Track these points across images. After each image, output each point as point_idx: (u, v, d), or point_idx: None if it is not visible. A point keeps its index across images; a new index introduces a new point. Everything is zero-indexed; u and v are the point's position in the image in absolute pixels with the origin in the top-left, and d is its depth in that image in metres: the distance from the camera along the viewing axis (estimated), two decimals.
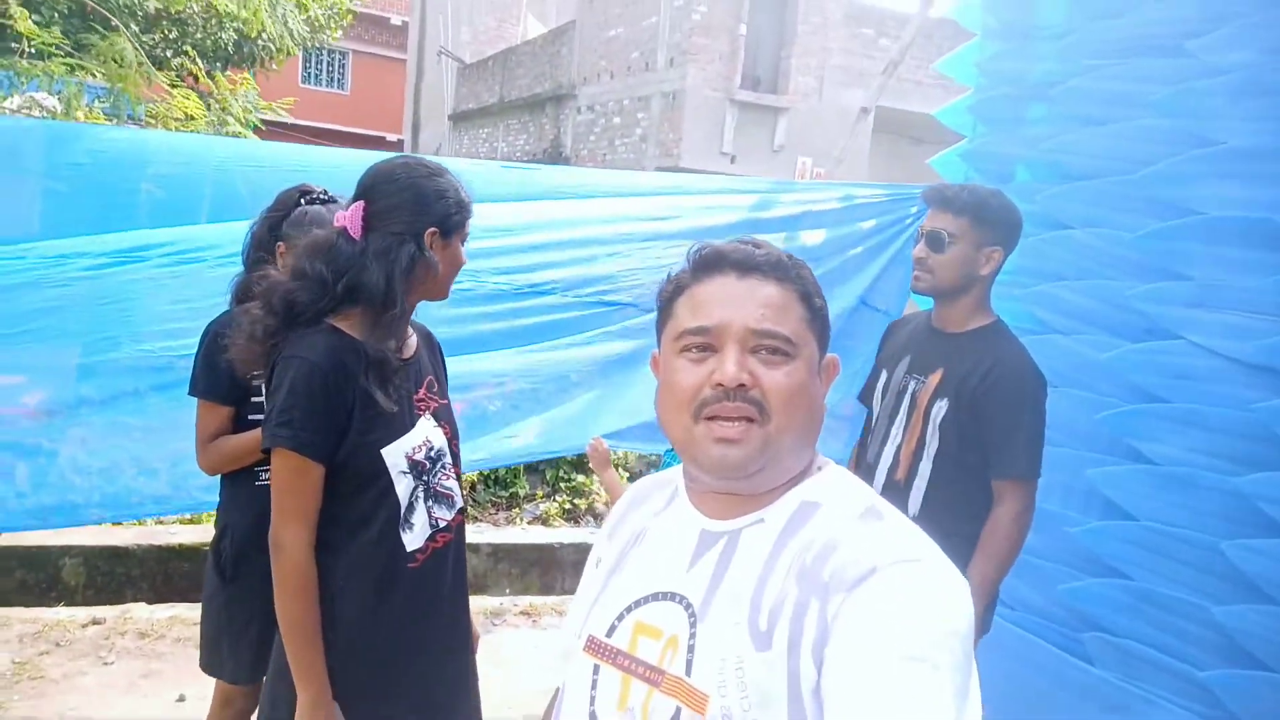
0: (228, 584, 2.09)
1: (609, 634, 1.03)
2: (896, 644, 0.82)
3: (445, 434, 1.73)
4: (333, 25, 12.86)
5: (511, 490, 5.29)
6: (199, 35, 10.05)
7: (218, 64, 11.68)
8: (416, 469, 1.63)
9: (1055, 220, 3.04)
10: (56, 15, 7.81)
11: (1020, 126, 3.26)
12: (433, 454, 1.68)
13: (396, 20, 26.07)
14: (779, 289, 1.01)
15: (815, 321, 1.03)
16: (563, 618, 3.76)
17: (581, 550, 4.51)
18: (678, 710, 0.94)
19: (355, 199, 1.63)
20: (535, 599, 4.29)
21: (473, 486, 5.11)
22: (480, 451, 3.09)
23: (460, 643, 1.78)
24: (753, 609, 0.93)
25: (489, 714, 1.83)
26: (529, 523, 5.01)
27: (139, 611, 3.46)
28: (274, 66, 13.56)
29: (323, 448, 1.51)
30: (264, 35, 11.45)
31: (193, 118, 4.56)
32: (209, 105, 5.09)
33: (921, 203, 2.38)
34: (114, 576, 4.05)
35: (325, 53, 25.71)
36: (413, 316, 1.77)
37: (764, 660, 0.90)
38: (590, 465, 2.63)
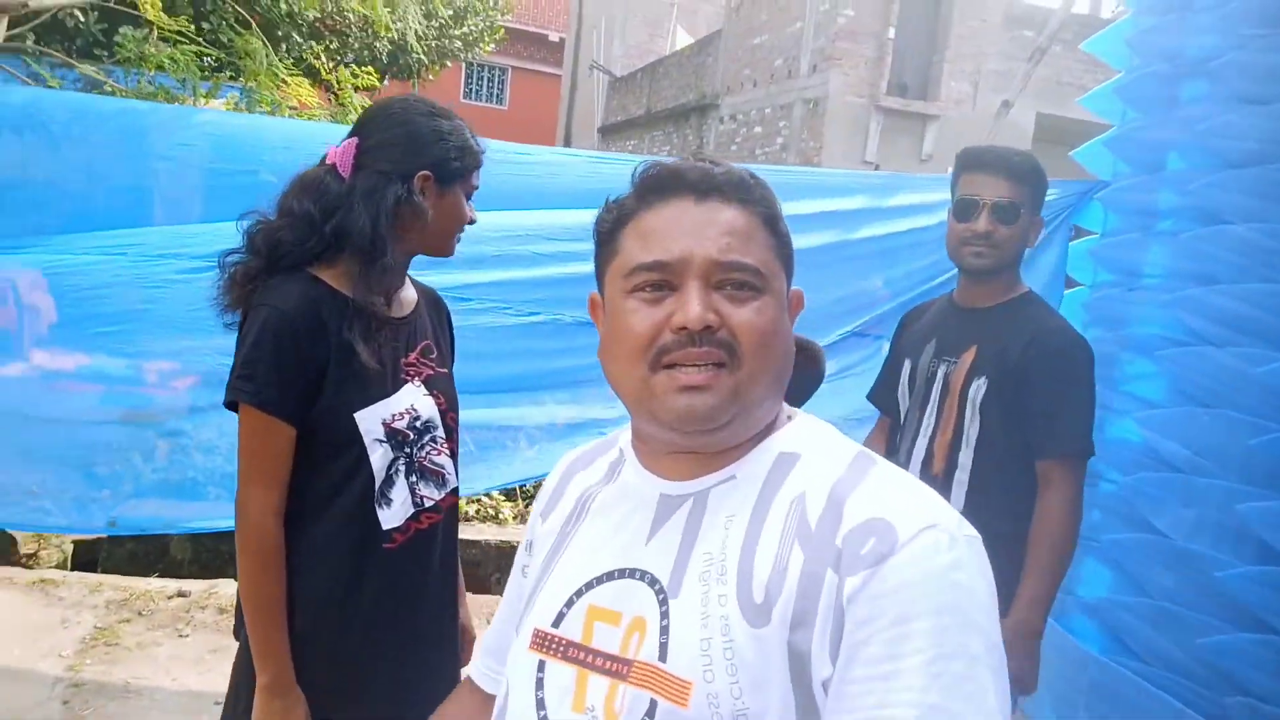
0: None
1: (556, 623, 0.90)
2: (930, 643, 0.73)
3: (439, 405, 1.57)
4: (485, 41, 13.26)
5: None
6: (357, 46, 10.56)
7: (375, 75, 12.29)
8: (396, 438, 1.49)
9: (1211, 214, 2.63)
10: (223, 23, 8.34)
11: (1174, 108, 2.86)
12: (419, 424, 1.52)
13: (554, 37, 26.79)
14: (743, 213, 0.88)
15: (783, 250, 0.91)
16: None
17: None
18: (652, 704, 0.80)
19: (349, 135, 1.52)
20: None
21: None
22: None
23: (445, 636, 1.62)
24: (741, 578, 0.81)
25: None
26: None
27: (226, 587, 3.53)
28: (429, 78, 14.14)
29: (288, 406, 1.39)
30: (413, 48, 11.94)
31: (307, 106, 4.71)
32: (334, 98, 5.25)
33: (961, 165, 2.16)
34: (218, 554, 4.18)
35: (486, 69, 26.71)
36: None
37: (757, 638, 0.78)
38: None
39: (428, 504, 1.54)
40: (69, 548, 4.15)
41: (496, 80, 27.47)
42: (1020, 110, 7.61)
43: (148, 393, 2.74)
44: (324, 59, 10.84)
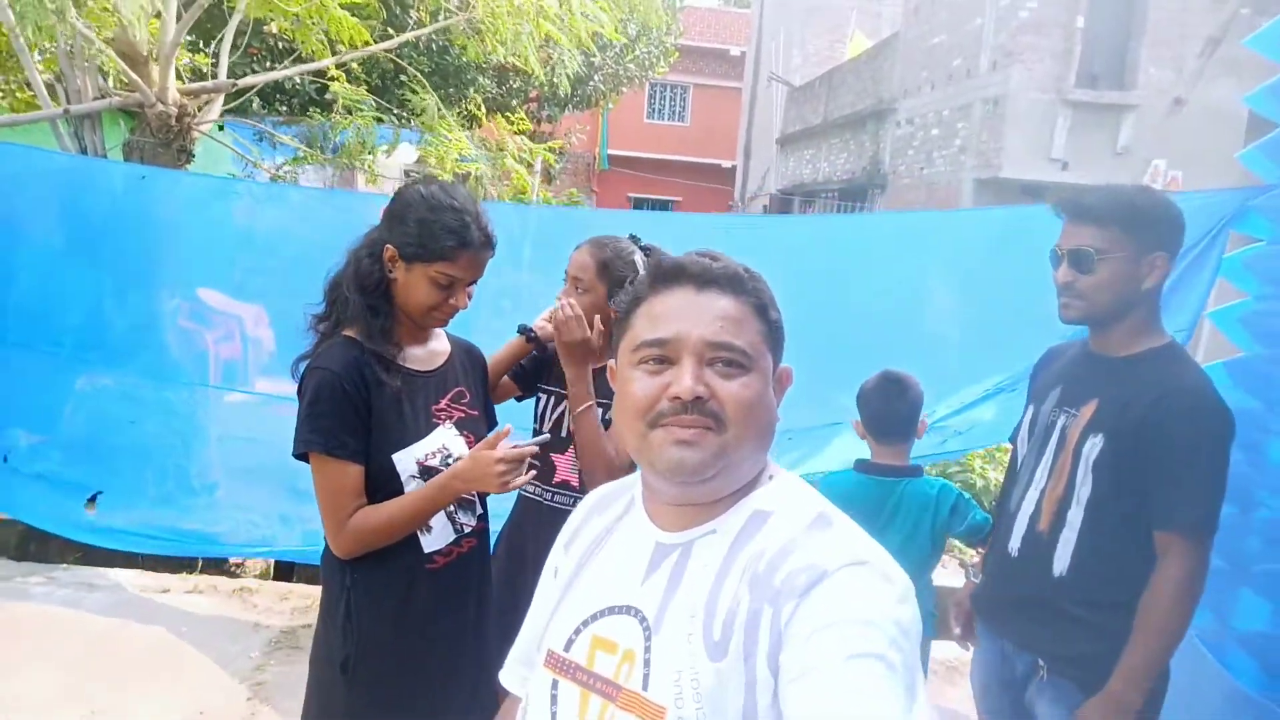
0: None
1: (567, 648, 1.05)
2: (850, 644, 0.85)
3: (469, 443, 1.78)
4: (660, 63, 13.61)
5: None
6: (539, 83, 11.17)
7: (556, 108, 12.91)
8: (429, 475, 1.68)
9: None
10: (403, 86, 9.10)
11: None
12: (450, 460, 1.72)
13: (735, 51, 26.95)
14: (735, 302, 1.03)
15: (771, 334, 1.05)
16: None
17: None
18: None
19: None
20: None
21: None
22: None
23: (482, 645, 1.80)
24: (706, 619, 0.95)
25: None
26: None
27: None
28: (609, 105, 14.65)
29: (352, 448, 1.61)
30: (596, 78, 12.44)
31: (466, 156, 5.15)
32: (491, 146, 5.67)
33: (1057, 215, 2.03)
34: None
35: (668, 88, 27.27)
36: None
37: (717, 671, 0.91)
38: None
39: (466, 530, 1.76)
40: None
41: (678, 99, 27.95)
42: (1231, 98, 6.94)
43: None
44: (512, 99, 11.53)
